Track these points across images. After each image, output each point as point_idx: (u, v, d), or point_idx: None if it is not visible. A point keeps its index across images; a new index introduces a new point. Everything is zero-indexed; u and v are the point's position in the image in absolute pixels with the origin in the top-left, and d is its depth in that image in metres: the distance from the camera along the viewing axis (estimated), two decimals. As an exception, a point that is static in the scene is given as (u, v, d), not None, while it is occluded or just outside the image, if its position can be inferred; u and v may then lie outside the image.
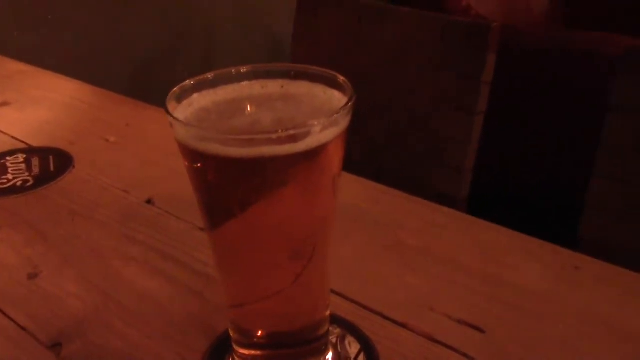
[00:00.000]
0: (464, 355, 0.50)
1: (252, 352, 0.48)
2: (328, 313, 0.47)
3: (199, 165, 0.39)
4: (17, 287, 0.61)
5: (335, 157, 0.40)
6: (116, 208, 0.74)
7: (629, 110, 1.23)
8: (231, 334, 0.48)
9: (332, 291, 0.53)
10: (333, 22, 1.60)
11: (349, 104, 0.39)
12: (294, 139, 0.36)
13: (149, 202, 0.74)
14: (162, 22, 2.11)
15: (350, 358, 0.50)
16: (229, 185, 0.39)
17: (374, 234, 0.67)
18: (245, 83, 0.44)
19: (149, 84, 2.01)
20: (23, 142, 0.92)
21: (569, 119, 1.61)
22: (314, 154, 0.37)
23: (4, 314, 0.57)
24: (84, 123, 1.00)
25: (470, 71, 1.41)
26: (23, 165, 0.83)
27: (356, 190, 0.74)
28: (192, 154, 0.39)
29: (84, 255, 0.65)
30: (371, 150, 1.52)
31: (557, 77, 1.63)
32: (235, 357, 0.48)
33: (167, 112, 0.38)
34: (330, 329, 0.49)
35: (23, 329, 0.55)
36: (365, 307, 0.56)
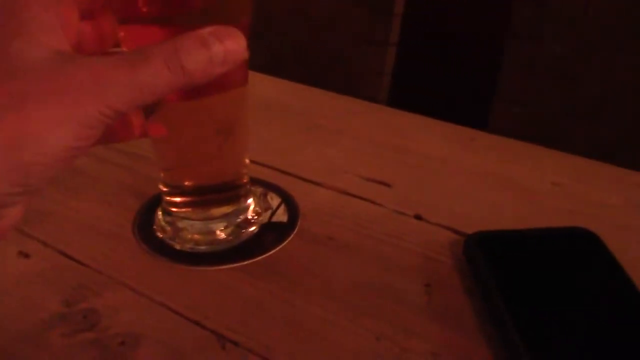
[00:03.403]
0: (373, 202, 0.56)
1: (181, 198, 0.52)
2: (246, 171, 0.53)
3: None
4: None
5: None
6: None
7: (526, 37, 1.33)
8: (162, 188, 0.52)
9: (255, 162, 0.59)
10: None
11: None
12: None
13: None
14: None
15: (272, 208, 0.55)
16: None
17: (293, 120, 0.72)
18: None
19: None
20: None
21: (474, 46, 1.72)
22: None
23: None
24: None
25: (382, 5, 1.48)
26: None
27: (276, 88, 0.79)
28: None
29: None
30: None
31: (463, 9, 1.72)
32: (164, 205, 0.52)
33: None
34: (253, 188, 0.54)
35: None
36: (284, 172, 0.61)
